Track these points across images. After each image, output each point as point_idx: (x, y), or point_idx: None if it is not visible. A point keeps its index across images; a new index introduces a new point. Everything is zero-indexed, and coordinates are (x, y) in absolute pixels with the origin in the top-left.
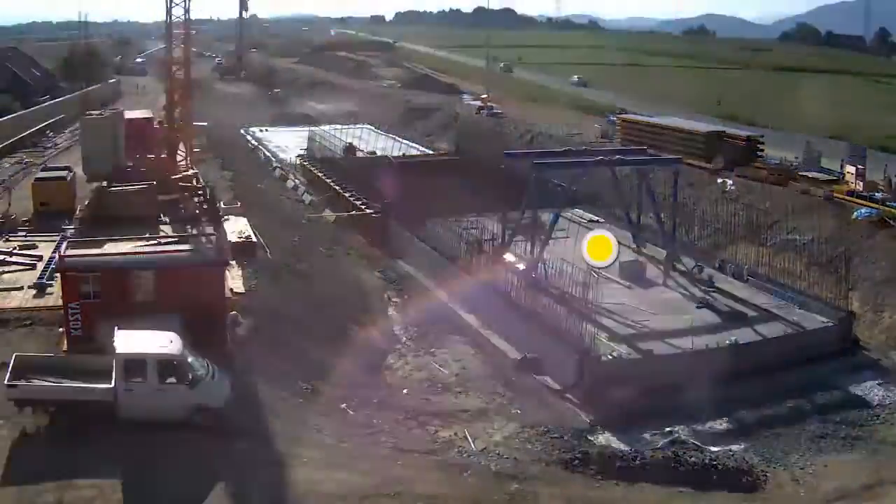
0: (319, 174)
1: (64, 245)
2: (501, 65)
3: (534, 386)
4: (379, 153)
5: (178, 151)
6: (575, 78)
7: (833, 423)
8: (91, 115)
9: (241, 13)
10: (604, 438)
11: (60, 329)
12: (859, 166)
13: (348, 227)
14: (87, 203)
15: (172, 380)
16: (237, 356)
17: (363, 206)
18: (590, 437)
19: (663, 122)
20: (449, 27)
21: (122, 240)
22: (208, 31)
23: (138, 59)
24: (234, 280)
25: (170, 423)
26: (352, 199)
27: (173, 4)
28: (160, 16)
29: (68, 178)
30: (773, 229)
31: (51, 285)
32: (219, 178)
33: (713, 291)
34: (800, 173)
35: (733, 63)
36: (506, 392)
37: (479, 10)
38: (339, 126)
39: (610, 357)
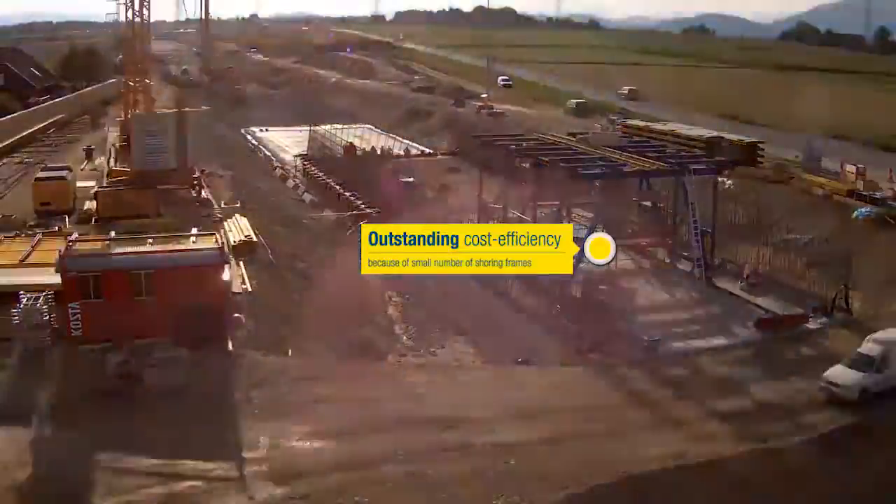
0: (320, 174)
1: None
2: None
3: None
4: (379, 152)
5: None
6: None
7: None
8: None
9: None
10: None
11: None
12: (859, 165)
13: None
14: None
15: None
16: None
17: (364, 206)
18: None
19: (664, 127)
20: (449, 26)
21: (123, 240)
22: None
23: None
24: (234, 279)
25: None
26: (352, 198)
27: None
28: (159, 15)
29: (68, 178)
30: (772, 229)
31: None
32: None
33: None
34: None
35: (733, 62)
36: None
37: (479, 10)
38: (339, 126)
39: None
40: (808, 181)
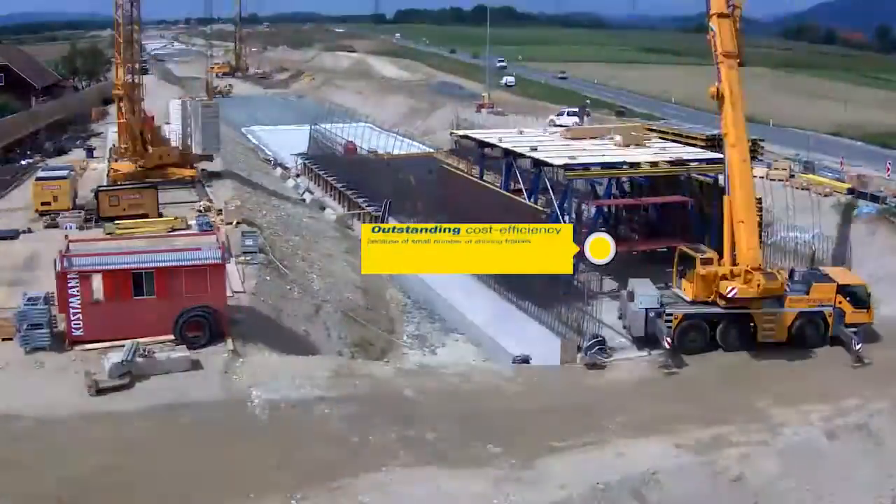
0: (320, 172)
1: (65, 246)
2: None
3: None
4: (380, 151)
5: None
6: None
7: None
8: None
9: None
10: None
11: None
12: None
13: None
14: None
15: None
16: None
17: (364, 205)
18: None
19: (664, 127)
20: (449, 25)
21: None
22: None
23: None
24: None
25: None
26: (353, 196)
27: None
28: (157, 14)
29: (69, 178)
30: (772, 227)
31: None
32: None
33: None
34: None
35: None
36: None
37: (480, 8)
38: (339, 124)
39: None
40: (808, 179)
